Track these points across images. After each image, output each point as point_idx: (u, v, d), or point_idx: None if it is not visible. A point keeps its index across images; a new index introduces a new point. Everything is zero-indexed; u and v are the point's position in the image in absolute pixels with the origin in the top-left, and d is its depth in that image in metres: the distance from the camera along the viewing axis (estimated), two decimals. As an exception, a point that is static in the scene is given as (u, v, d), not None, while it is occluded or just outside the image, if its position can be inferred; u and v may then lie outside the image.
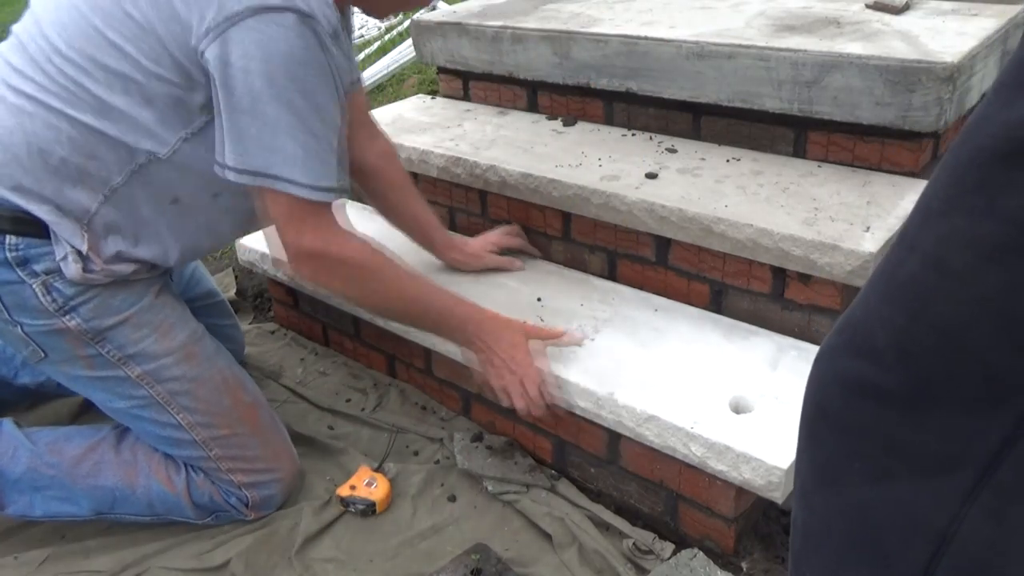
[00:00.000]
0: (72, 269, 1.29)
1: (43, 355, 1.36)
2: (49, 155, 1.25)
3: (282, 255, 1.30)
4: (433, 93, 2.35)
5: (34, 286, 1.29)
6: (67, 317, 1.32)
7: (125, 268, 1.35)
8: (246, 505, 1.49)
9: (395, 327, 1.67)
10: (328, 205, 1.27)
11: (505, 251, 1.76)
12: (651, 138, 1.84)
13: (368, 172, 1.63)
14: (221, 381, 1.46)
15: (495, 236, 1.76)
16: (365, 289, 1.37)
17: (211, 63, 1.17)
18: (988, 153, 0.49)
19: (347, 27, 1.45)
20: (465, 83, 2.20)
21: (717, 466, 1.24)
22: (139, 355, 1.38)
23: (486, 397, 1.56)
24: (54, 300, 1.30)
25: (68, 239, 1.29)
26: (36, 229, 1.28)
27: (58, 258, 1.29)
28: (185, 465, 1.48)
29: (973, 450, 0.54)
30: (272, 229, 1.30)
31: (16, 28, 1.31)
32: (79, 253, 1.29)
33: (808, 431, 0.66)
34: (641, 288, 1.65)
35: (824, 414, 0.64)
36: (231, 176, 1.23)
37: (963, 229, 0.51)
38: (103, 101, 1.24)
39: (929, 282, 0.53)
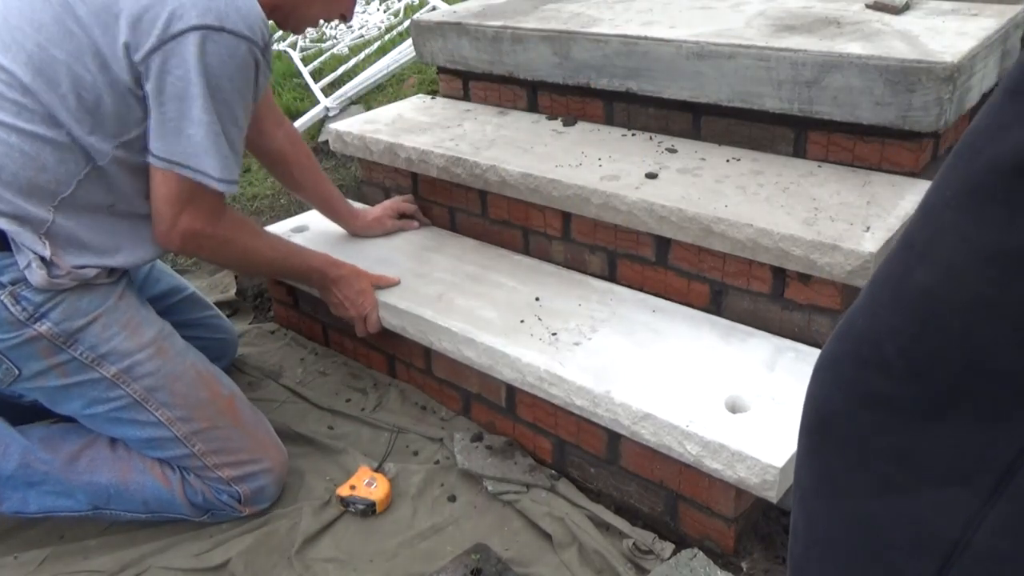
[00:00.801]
0: (37, 276, 1.30)
1: (16, 372, 1.36)
2: (2, 169, 1.27)
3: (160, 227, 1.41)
4: (433, 93, 2.35)
5: (2, 298, 1.29)
6: (38, 323, 1.32)
7: (89, 271, 1.36)
8: (239, 501, 1.49)
9: (394, 324, 1.68)
10: (223, 194, 1.42)
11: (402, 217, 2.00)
12: (651, 138, 1.84)
13: (276, 155, 1.81)
14: (196, 375, 1.47)
15: (392, 203, 2.01)
16: (241, 259, 1.58)
17: (151, 73, 1.28)
18: (1009, 165, 0.48)
19: None
20: (465, 83, 2.20)
21: (712, 464, 1.24)
22: (112, 353, 1.38)
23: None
24: (24, 309, 1.31)
25: (30, 247, 1.30)
26: None
27: (22, 267, 1.29)
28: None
29: (988, 460, 0.53)
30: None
31: None
32: (42, 259, 1.30)
33: (809, 441, 0.65)
34: (641, 288, 1.65)
35: (827, 425, 0.62)
36: (151, 160, 1.35)
37: (982, 241, 0.50)
38: (51, 112, 1.28)
39: (943, 292, 0.52)
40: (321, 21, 1.56)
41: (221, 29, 1.28)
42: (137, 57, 1.27)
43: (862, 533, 0.61)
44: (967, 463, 0.54)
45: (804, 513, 0.67)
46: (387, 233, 1.96)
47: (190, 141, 1.32)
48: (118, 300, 1.41)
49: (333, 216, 1.95)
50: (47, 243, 1.31)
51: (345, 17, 1.57)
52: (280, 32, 4.14)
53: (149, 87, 1.29)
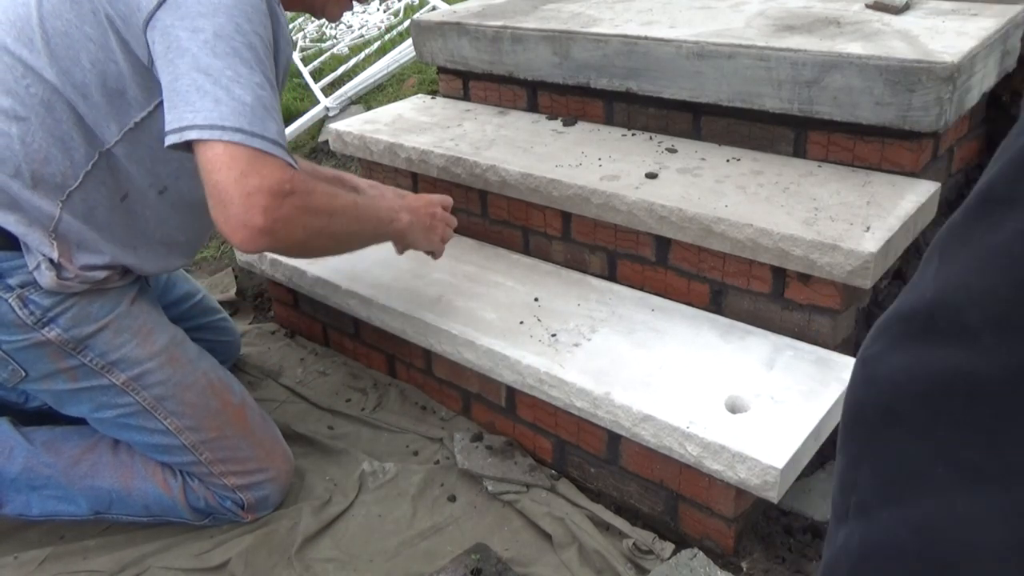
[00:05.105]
0: (46, 278, 1.28)
1: (23, 374, 1.35)
2: (4, 163, 1.24)
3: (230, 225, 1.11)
4: (433, 93, 2.35)
5: (9, 300, 1.28)
6: (46, 328, 1.31)
7: (99, 273, 1.33)
8: (242, 508, 1.49)
9: (394, 327, 1.68)
10: (275, 156, 1.12)
11: None
12: (651, 138, 1.84)
13: None
14: (207, 384, 1.46)
15: None
16: (329, 214, 1.21)
17: (157, 31, 1.12)
18: None
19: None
20: (465, 83, 2.20)
21: (713, 466, 1.24)
22: (122, 361, 1.37)
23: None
24: (31, 313, 1.29)
25: (38, 248, 1.27)
26: (5, 242, 1.27)
27: (31, 268, 1.28)
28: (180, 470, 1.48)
29: None
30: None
31: None
32: (51, 261, 1.28)
33: (870, 439, 0.57)
34: (641, 288, 1.65)
35: (896, 417, 0.55)
36: (172, 138, 1.10)
37: None
38: (50, 95, 1.22)
39: None
40: (355, 3, 1.43)
41: None
42: (143, 18, 1.14)
43: (942, 537, 0.53)
44: None
45: (863, 521, 0.57)
46: None
47: (200, 93, 1.09)
48: (130, 305, 1.39)
49: None
50: (55, 244, 1.28)
51: None
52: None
53: (156, 49, 1.12)
